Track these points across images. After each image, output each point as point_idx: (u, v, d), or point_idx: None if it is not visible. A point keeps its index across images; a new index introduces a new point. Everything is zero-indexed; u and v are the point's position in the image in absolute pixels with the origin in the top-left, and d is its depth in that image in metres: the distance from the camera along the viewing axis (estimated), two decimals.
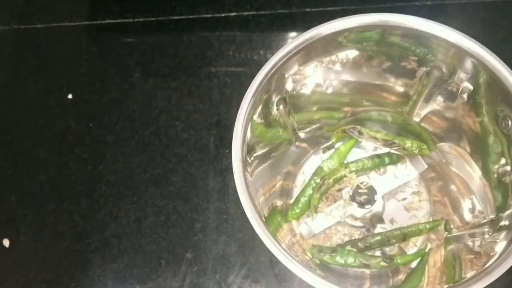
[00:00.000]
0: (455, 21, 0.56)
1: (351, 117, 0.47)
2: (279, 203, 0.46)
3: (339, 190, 0.46)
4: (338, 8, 0.56)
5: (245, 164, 0.36)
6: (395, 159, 0.47)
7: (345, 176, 0.46)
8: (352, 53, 0.40)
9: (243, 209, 0.34)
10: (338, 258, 0.42)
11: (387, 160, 0.47)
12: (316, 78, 0.42)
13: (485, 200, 0.41)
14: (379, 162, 0.46)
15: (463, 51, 0.36)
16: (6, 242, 0.49)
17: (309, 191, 0.45)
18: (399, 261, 0.42)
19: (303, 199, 0.45)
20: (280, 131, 0.44)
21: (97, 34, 0.58)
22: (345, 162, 0.47)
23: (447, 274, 0.41)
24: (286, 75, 0.39)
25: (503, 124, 0.37)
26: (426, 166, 0.47)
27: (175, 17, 0.57)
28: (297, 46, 0.37)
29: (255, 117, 0.38)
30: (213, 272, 0.47)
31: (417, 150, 0.45)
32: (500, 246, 0.35)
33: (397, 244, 0.44)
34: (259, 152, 0.41)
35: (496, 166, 0.39)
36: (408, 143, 0.45)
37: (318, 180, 0.46)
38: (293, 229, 0.46)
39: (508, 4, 0.56)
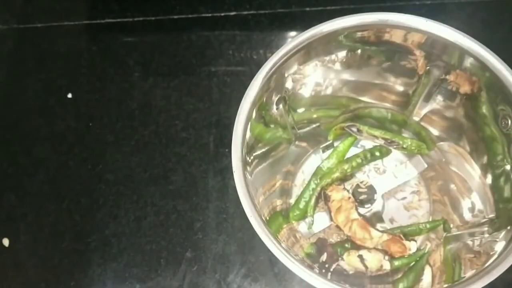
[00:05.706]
0: (454, 20, 0.55)
1: (349, 113, 0.47)
2: (279, 202, 0.46)
3: None
4: (338, 7, 0.56)
5: (244, 163, 0.36)
6: (384, 152, 0.47)
7: (344, 175, 0.46)
8: (351, 52, 0.40)
9: (242, 209, 0.34)
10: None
11: (377, 153, 0.46)
12: (316, 77, 0.42)
13: (485, 199, 0.41)
14: (370, 156, 0.46)
15: (463, 50, 0.36)
16: (5, 242, 0.49)
17: (309, 192, 0.45)
18: (398, 261, 0.42)
19: (303, 201, 0.45)
20: (280, 131, 0.44)
21: (97, 34, 0.58)
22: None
23: (446, 274, 0.41)
24: (286, 74, 0.39)
25: (503, 123, 0.37)
26: (426, 165, 0.47)
27: (175, 16, 0.57)
28: (296, 45, 0.37)
29: (254, 116, 0.38)
30: (213, 271, 0.47)
31: (416, 149, 0.45)
32: (499, 245, 0.35)
33: None
34: (259, 151, 0.41)
35: (496, 166, 0.39)
36: (408, 142, 0.45)
37: (318, 181, 0.46)
38: (292, 228, 0.46)
39: (508, 4, 0.56)
